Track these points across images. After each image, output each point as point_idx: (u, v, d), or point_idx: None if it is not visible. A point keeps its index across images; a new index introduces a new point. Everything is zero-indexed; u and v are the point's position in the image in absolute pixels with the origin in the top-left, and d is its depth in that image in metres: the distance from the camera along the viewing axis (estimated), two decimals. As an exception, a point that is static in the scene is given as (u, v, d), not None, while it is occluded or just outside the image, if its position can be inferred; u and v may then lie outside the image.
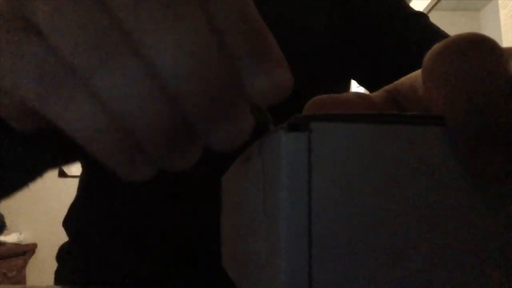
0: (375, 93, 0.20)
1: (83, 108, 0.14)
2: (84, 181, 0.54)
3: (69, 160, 0.27)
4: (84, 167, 0.54)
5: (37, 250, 2.58)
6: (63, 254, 0.54)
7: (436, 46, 0.15)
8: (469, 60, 0.14)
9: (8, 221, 2.46)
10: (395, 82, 0.20)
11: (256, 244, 0.16)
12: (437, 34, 0.54)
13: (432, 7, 2.55)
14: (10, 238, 2.49)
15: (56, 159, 0.26)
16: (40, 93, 0.15)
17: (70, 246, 0.54)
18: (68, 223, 0.54)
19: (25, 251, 2.51)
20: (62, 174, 2.60)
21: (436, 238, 0.14)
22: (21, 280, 2.41)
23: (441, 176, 0.14)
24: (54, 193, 2.53)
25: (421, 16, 0.56)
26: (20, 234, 2.55)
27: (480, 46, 0.14)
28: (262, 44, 0.15)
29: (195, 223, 0.46)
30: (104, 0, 0.14)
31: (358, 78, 0.59)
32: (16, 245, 2.49)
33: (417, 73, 0.19)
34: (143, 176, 0.16)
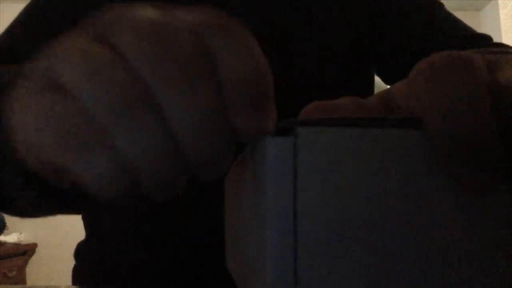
0: (370, 99, 0.21)
1: (102, 163, 0.16)
2: None
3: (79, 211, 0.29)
4: None
5: (37, 250, 2.58)
6: (80, 251, 0.54)
7: (422, 62, 0.16)
8: (447, 79, 0.15)
9: (8, 221, 2.46)
10: (388, 88, 0.20)
11: (250, 245, 0.17)
12: (454, 22, 0.54)
13: (431, 8, 2.55)
14: (10, 238, 2.49)
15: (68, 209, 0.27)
16: (62, 149, 0.16)
17: (86, 243, 0.54)
18: (85, 217, 0.54)
19: (25, 251, 2.50)
20: (62, 174, 2.59)
21: (418, 239, 0.14)
22: (21, 280, 2.40)
23: (425, 178, 0.14)
24: (54, 193, 2.52)
25: (438, 4, 0.56)
26: (20, 234, 2.55)
27: (457, 64, 0.15)
28: (260, 100, 0.16)
29: (205, 224, 0.46)
30: (132, 66, 0.15)
31: (378, 71, 0.59)
32: (16, 245, 2.49)
33: (409, 79, 0.19)
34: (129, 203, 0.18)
